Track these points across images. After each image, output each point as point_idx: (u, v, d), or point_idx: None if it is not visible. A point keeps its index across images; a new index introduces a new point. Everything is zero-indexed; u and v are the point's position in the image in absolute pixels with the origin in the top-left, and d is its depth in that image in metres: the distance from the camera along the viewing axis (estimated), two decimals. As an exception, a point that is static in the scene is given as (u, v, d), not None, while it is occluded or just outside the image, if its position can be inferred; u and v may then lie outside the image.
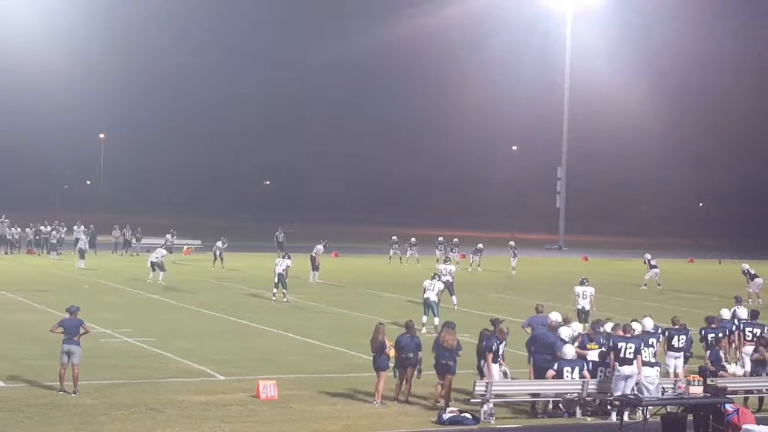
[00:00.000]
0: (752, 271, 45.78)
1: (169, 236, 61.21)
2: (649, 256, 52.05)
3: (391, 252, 63.94)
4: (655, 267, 50.32)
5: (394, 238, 65.10)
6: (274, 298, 38.66)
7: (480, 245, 60.29)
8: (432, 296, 31.41)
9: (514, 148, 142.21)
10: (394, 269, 58.56)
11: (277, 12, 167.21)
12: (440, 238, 64.39)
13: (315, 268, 47.84)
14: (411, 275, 51.73)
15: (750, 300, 42.30)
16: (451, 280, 36.97)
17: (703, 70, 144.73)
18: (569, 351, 20.72)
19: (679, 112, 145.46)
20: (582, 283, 31.92)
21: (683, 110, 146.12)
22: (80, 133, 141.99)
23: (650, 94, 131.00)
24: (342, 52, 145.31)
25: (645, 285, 49.76)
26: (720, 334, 22.99)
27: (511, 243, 60.16)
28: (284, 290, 38.68)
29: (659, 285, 49.55)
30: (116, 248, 64.93)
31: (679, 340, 22.66)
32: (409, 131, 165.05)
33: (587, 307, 31.08)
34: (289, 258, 39.79)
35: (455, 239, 62.75)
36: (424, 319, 31.13)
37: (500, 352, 20.77)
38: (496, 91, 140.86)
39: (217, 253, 54.70)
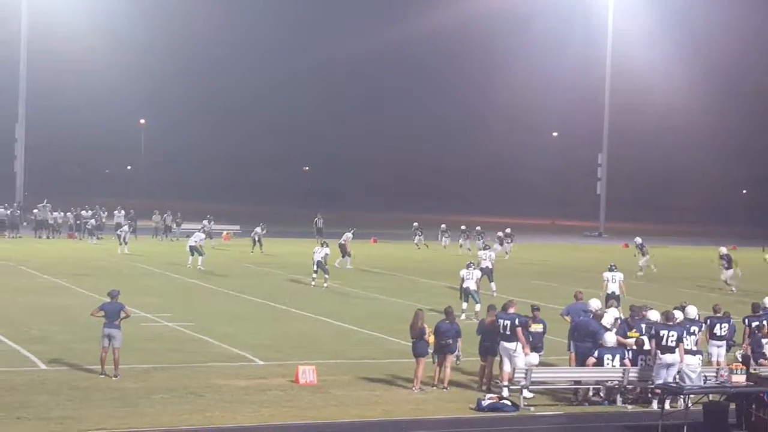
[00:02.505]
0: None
1: (206, 222, 61.53)
2: (639, 240, 50.37)
3: (416, 239, 63.68)
4: (645, 254, 48.53)
5: (416, 224, 64.66)
6: (313, 282, 38.68)
7: (508, 230, 59.66)
8: (471, 285, 31.47)
9: (555, 134, 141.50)
10: (431, 256, 58.28)
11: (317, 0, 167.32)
12: (463, 227, 63.20)
13: (346, 254, 47.78)
14: (448, 262, 51.60)
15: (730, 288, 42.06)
16: (491, 267, 36.98)
17: (747, 55, 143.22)
18: (610, 338, 20.60)
19: (723, 97, 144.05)
20: (611, 269, 32.36)
21: (727, 96, 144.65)
22: (121, 118, 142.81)
23: (693, 79, 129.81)
24: (383, 38, 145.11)
25: (641, 271, 47.95)
26: (765, 322, 22.71)
27: (508, 230, 59.48)
28: (325, 275, 38.71)
29: (654, 268, 48.88)
30: (156, 233, 65.30)
31: (721, 329, 22.44)
32: (449, 117, 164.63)
33: (617, 292, 31.14)
34: (327, 246, 39.94)
35: (477, 227, 61.59)
36: (464, 305, 31.13)
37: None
38: (536, 76, 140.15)
39: (256, 238, 55.03)
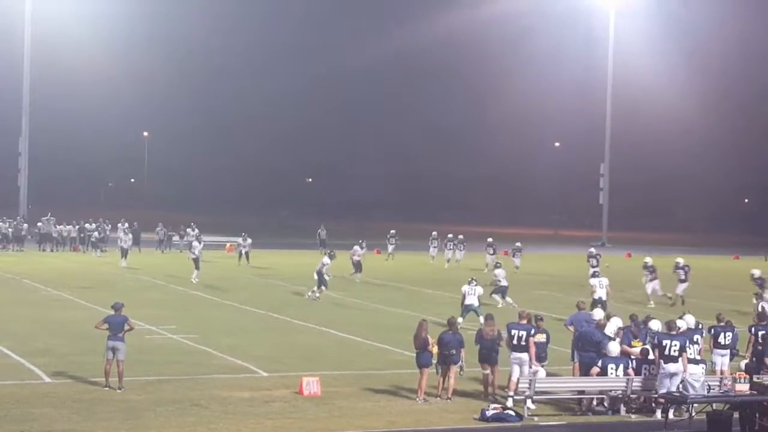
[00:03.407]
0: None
1: (189, 230, 61.00)
2: (594, 250, 48.32)
3: (390, 248, 62.04)
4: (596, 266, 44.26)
5: (392, 231, 62.67)
6: (317, 294, 38.54)
7: (490, 240, 56.41)
8: (475, 302, 31.39)
9: (557, 144, 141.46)
10: (433, 267, 58.23)
11: (320, 10, 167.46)
12: (449, 235, 60.00)
13: (358, 269, 46.96)
14: (451, 272, 51.60)
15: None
16: (506, 284, 37.60)
17: (747, 65, 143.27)
18: (614, 348, 20.64)
19: (725, 107, 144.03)
20: (595, 275, 34.64)
21: (728, 106, 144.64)
22: (124, 131, 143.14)
23: (694, 89, 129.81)
24: (384, 49, 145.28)
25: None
26: (768, 332, 22.71)
27: (490, 241, 56.08)
28: (322, 287, 38.17)
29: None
30: (159, 245, 65.27)
31: (725, 338, 22.47)
32: (451, 128, 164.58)
33: (604, 297, 32.21)
34: (330, 257, 39.54)
35: (460, 236, 59.36)
36: (460, 320, 30.92)
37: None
38: (538, 87, 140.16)
39: (242, 251, 54.19)
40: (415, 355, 21.24)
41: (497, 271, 38.27)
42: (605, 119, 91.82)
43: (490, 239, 56.49)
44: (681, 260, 41.23)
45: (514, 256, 56.04)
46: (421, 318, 22.63)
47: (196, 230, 61.66)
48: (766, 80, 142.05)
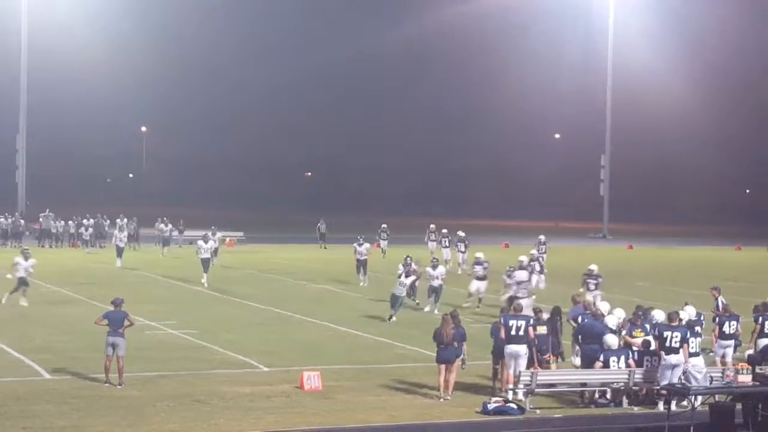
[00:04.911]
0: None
1: (162, 226, 60.16)
2: (542, 237, 45.67)
3: (382, 243, 59.35)
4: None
5: (384, 226, 60.78)
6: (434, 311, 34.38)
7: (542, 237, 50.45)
8: (404, 294, 30.91)
9: (557, 136, 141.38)
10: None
11: (318, 1, 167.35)
12: (444, 230, 55.11)
13: (364, 270, 42.57)
14: (452, 266, 51.41)
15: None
16: (443, 284, 33.48)
17: (747, 55, 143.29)
18: (612, 340, 20.52)
19: (725, 96, 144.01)
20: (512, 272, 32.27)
21: (729, 95, 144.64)
22: (122, 126, 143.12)
23: (695, 79, 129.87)
24: (382, 41, 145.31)
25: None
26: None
27: (461, 234, 51.69)
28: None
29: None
30: (157, 242, 64.85)
31: (730, 327, 22.41)
32: (451, 120, 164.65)
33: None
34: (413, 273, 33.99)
35: (444, 230, 54.92)
36: (428, 308, 30.55)
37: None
38: (538, 78, 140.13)
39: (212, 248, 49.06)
40: (437, 350, 20.46)
41: (431, 272, 33.55)
42: (605, 110, 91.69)
43: (461, 233, 51.86)
44: (525, 259, 34.99)
45: (539, 252, 45.67)
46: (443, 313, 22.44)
47: (170, 225, 61.19)
48: (766, 69, 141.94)
